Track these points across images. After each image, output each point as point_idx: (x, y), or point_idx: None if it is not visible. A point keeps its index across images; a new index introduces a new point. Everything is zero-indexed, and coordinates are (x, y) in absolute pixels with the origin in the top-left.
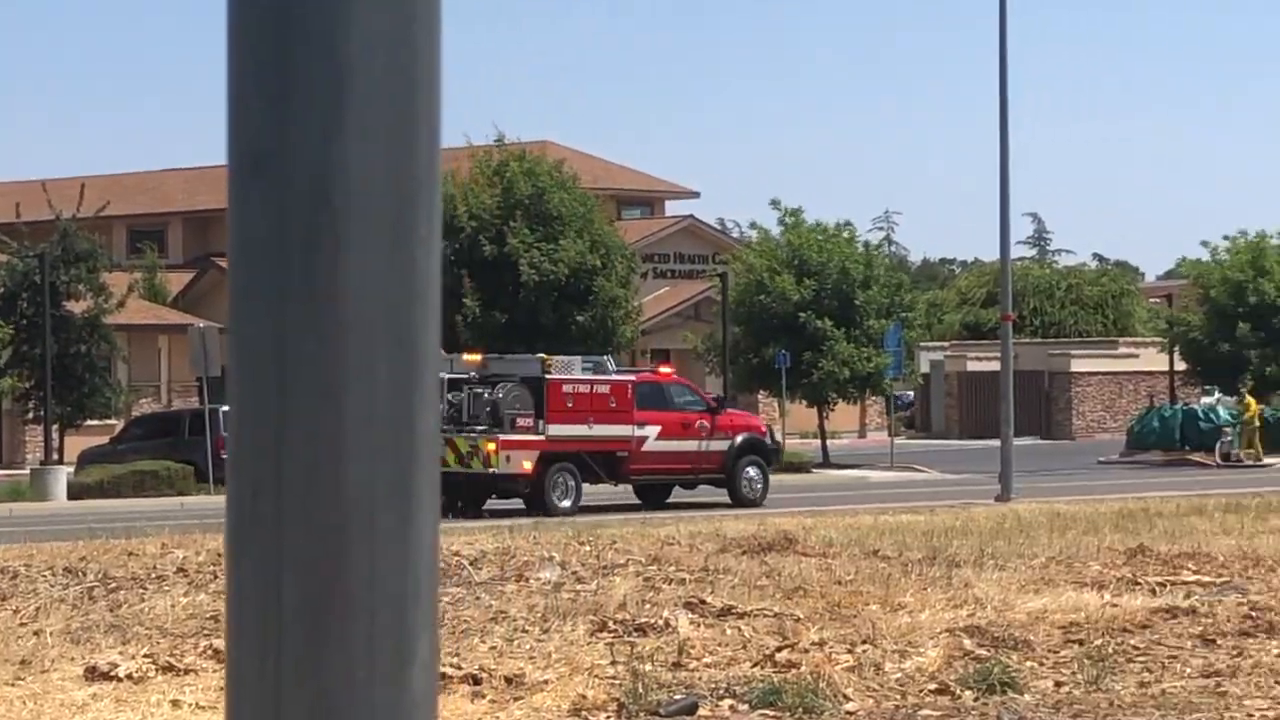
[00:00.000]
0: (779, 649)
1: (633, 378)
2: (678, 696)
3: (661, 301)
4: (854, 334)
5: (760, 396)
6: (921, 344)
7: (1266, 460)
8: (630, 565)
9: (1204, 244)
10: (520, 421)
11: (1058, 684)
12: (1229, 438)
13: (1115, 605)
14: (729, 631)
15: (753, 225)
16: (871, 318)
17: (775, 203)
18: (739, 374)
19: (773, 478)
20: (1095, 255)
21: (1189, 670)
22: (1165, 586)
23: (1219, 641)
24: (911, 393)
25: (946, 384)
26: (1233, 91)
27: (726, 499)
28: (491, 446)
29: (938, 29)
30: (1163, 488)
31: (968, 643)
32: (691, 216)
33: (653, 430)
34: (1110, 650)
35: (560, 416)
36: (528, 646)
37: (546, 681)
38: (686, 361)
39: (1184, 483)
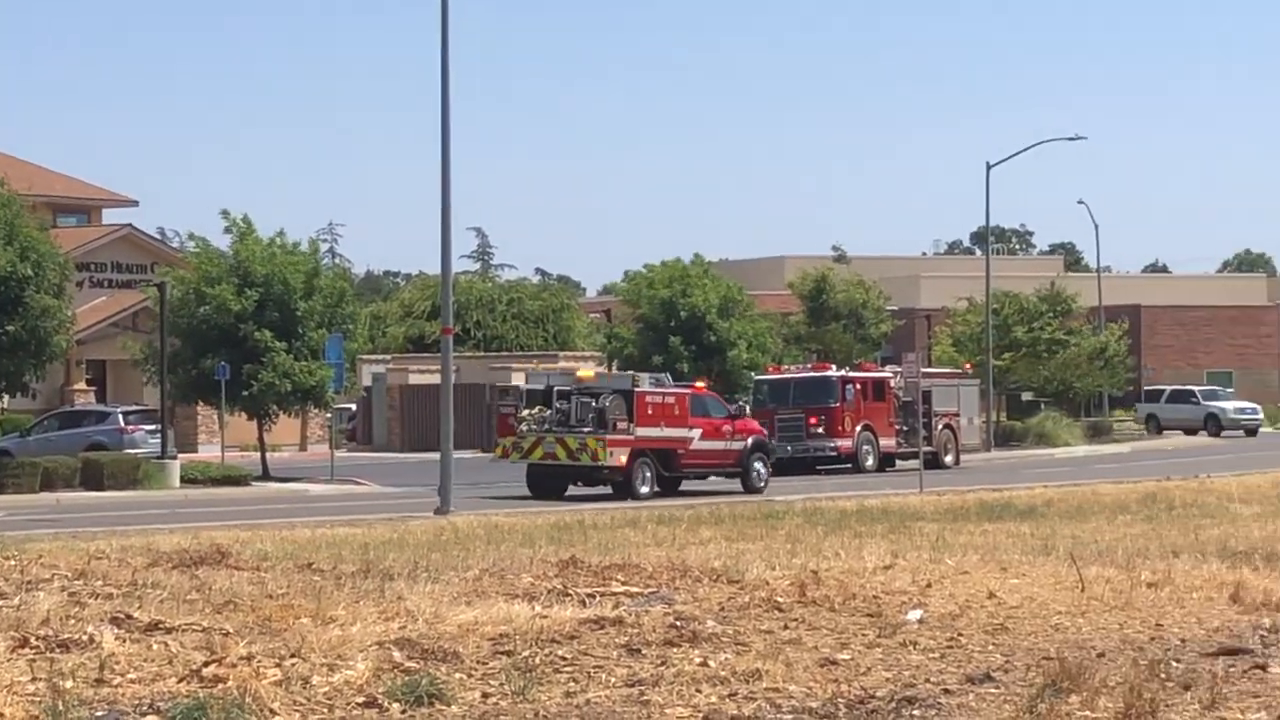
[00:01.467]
0: (206, 664)
1: (688, 390)
2: (99, 714)
3: (99, 311)
4: (295, 346)
5: (200, 408)
6: (364, 356)
7: None
8: (56, 580)
9: (646, 266)
10: (619, 424)
11: (485, 695)
12: None
13: (545, 616)
14: (155, 647)
15: (191, 236)
16: (312, 329)
17: (225, 213)
18: (178, 385)
19: (209, 492)
20: (538, 270)
21: (614, 680)
22: (595, 597)
23: (644, 651)
24: (354, 405)
25: (389, 397)
26: (672, 116)
27: (737, 486)
28: (599, 444)
29: (380, 40)
30: (598, 499)
31: (397, 655)
32: (130, 225)
33: (697, 433)
34: (538, 661)
35: (645, 421)
36: None
37: None
38: (124, 372)
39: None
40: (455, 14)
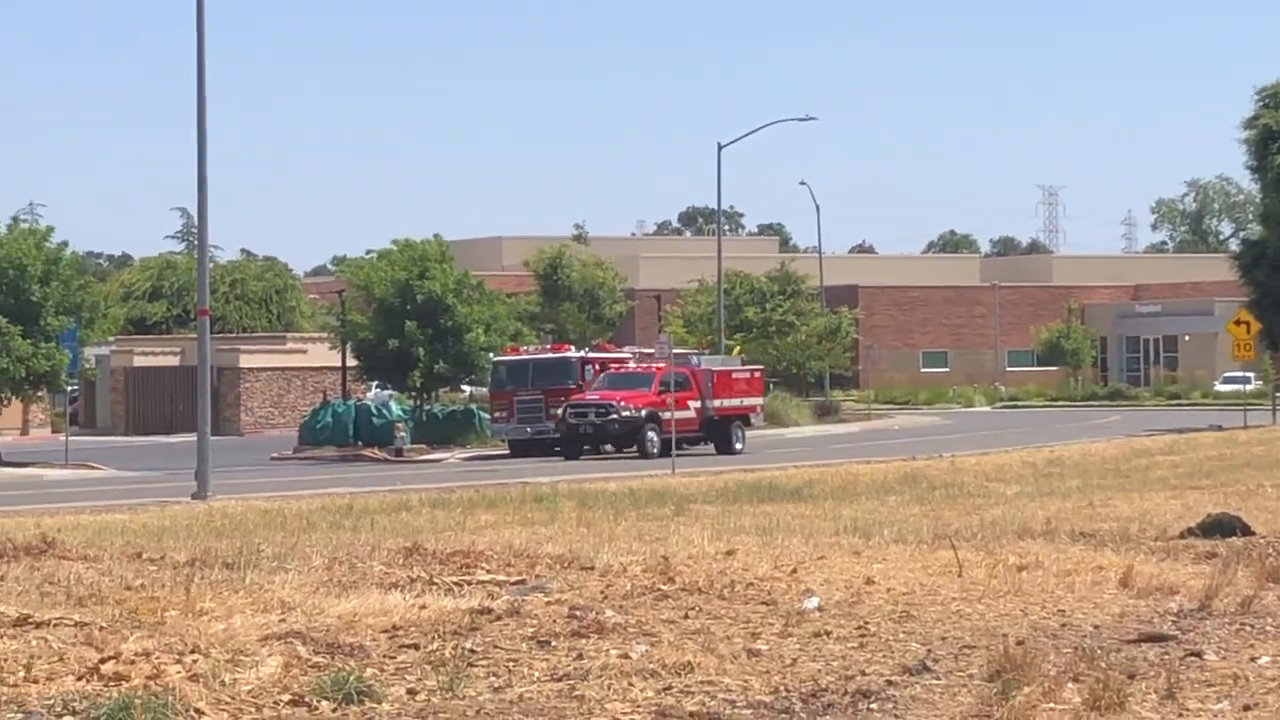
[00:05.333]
0: (102, 661)
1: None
2: (11, 716)
3: None
4: (32, 330)
5: None
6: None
7: (436, 455)
8: None
9: (394, 243)
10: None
11: (411, 692)
12: (402, 433)
13: (425, 607)
14: (35, 643)
15: None
16: (50, 315)
17: None
18: None
19: None
20: (244, 251)
21: (536, 674)
22: (463, 586)
23: (554, 643)
24: (75, 387)
25: (112, 379)
26: (359, 100)
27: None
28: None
29: None
30: (351, 484)
31: (302, 650)
32: None
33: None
34: (448, 654)
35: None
36: None
37: None
38: None
39: (366, 479)
40: None
